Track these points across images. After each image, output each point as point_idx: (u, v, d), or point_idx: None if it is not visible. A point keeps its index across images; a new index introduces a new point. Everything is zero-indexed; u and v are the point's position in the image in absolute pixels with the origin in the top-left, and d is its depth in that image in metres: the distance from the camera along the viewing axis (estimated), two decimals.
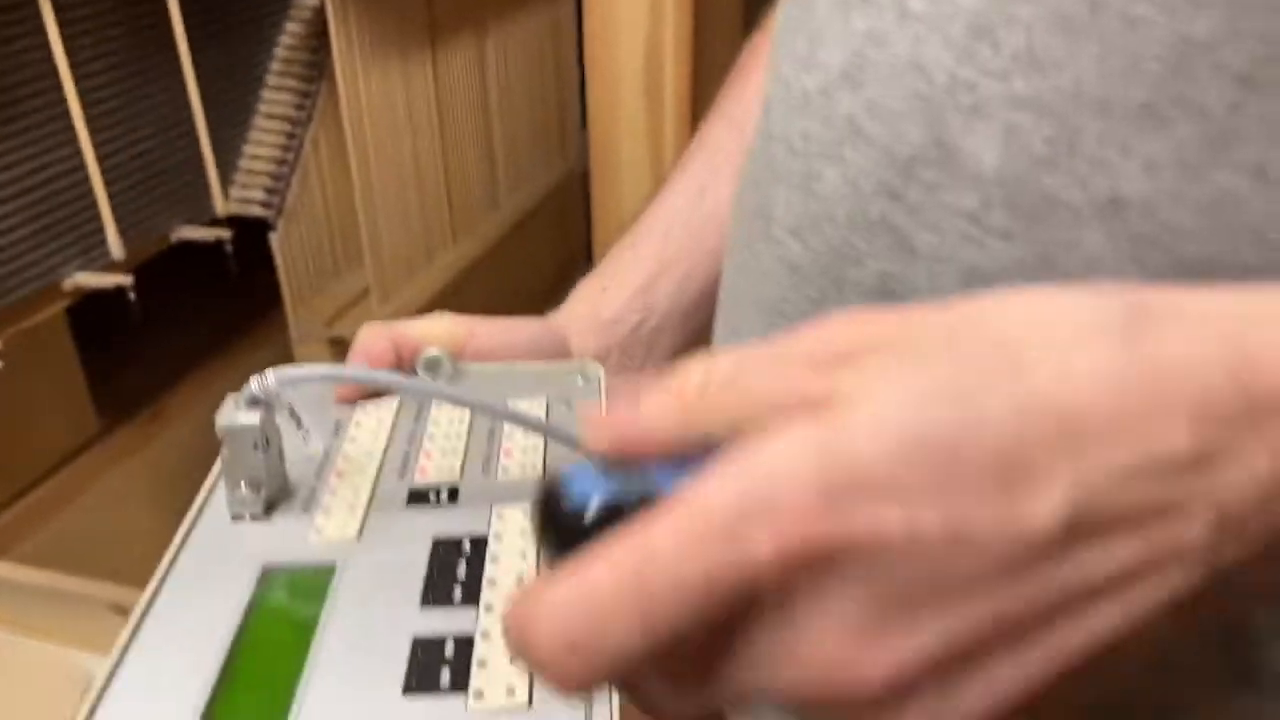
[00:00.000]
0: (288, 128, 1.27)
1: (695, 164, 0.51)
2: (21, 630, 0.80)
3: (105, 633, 0.80)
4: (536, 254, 1.59)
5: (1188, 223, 0.26)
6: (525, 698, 0.28)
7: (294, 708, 0.28)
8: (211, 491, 0.37)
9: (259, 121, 1.27)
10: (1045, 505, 0.20)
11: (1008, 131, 0.28)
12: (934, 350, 0.21)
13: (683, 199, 0.50)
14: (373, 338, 0.41)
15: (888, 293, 0.32)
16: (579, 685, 0.21)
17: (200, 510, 0.36)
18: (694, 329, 0.49)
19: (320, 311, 1.36)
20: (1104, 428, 0.20)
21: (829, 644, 0.20)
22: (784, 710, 0.22)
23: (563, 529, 0.23)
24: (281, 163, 1.26)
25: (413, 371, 0.42)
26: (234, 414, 0.34)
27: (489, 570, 0.33)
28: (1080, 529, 0.20)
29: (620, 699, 0.28)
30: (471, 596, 0.32)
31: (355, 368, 0.39)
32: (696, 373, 0.23)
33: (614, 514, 0.22)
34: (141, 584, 0.91)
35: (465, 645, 0.30)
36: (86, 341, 1.24)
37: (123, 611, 0.79)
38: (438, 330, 0.43)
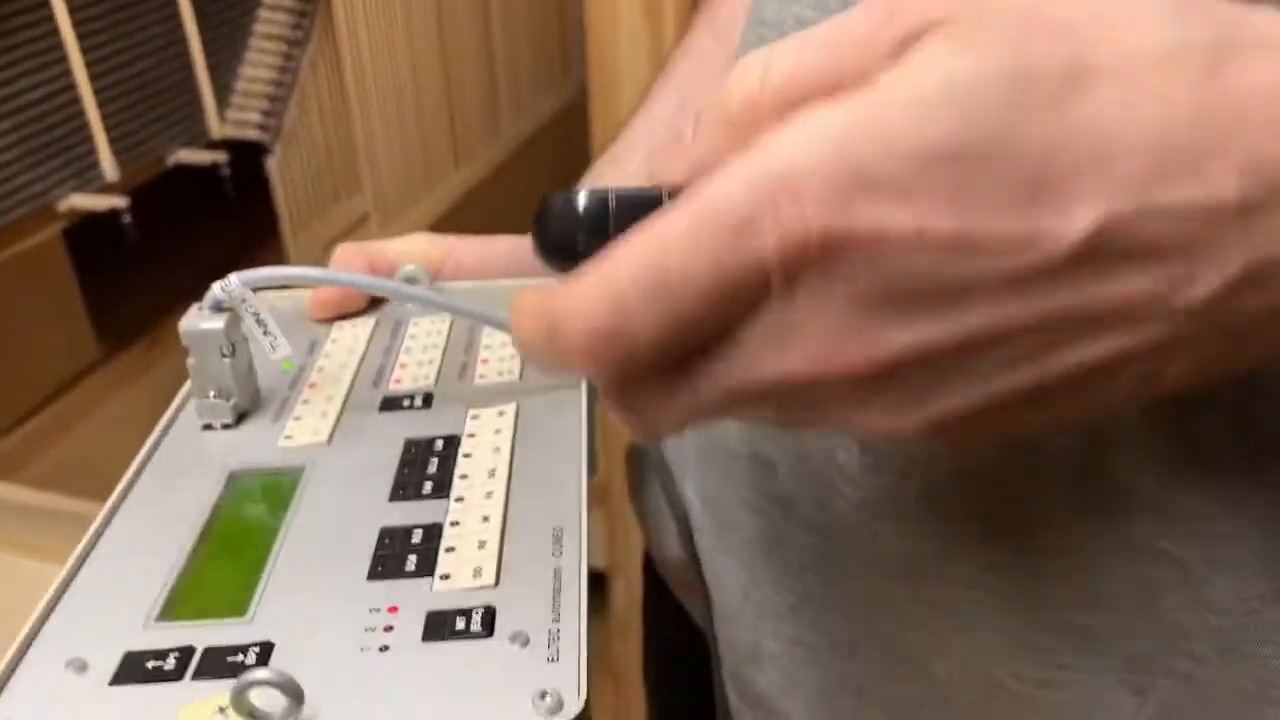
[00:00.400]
0: (284, 48, 1.25)
1: (678, 73, 0.50)
2: (22, 551, 0.80)
3: None
4: (538, 180, 1.57)
5: None
6: (492, 579, 0.28)
7: (256, 594, 0.28)
8: (184, 402, 0.37)
9: (255, 42, 1.25)
10: (1067, 225, 0.19)
11: None
12: (995, 46, 0.20)
13: (666, 110, 0.49)
14: (348, 256, 0.40)
15: None
16: (609, 377, 0.22)
17: (171, 420, 0.36)
18: None
19: (319, 237, 1.34)
20: (1152, 163, 0.19)
21: (821, 332, 0.20)
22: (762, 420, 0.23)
23: (583, 223, 0.25)
24: (278, 84, 1.24)
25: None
26: (197, 319, 0.34)
27: (461, 465, 0.32)
28: (1098, 253, 0.19)
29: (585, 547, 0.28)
30: (442, 490, 0.31)
31: (318, 270, 0.38)
32: (750, 79, 0.22)
33: (629, 211, 0.23)
34: None
35: (433, 533, 0.30)
36: (85, 267, 1.23)
37: None
38: (414, 249, 0.42)
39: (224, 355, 0.34)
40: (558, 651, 0.25)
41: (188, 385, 0.37)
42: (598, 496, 1.28)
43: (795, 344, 0.21)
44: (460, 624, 0.26)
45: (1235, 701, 0.30)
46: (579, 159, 0.52)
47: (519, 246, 0.46)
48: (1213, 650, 0.29)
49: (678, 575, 0.47)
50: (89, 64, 1.03)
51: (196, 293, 1.19)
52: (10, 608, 0.73)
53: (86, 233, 1.14)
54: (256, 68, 1.25)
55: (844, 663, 0.37)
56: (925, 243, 0.19)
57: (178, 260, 1.42)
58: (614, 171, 0.48)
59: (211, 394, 0.35)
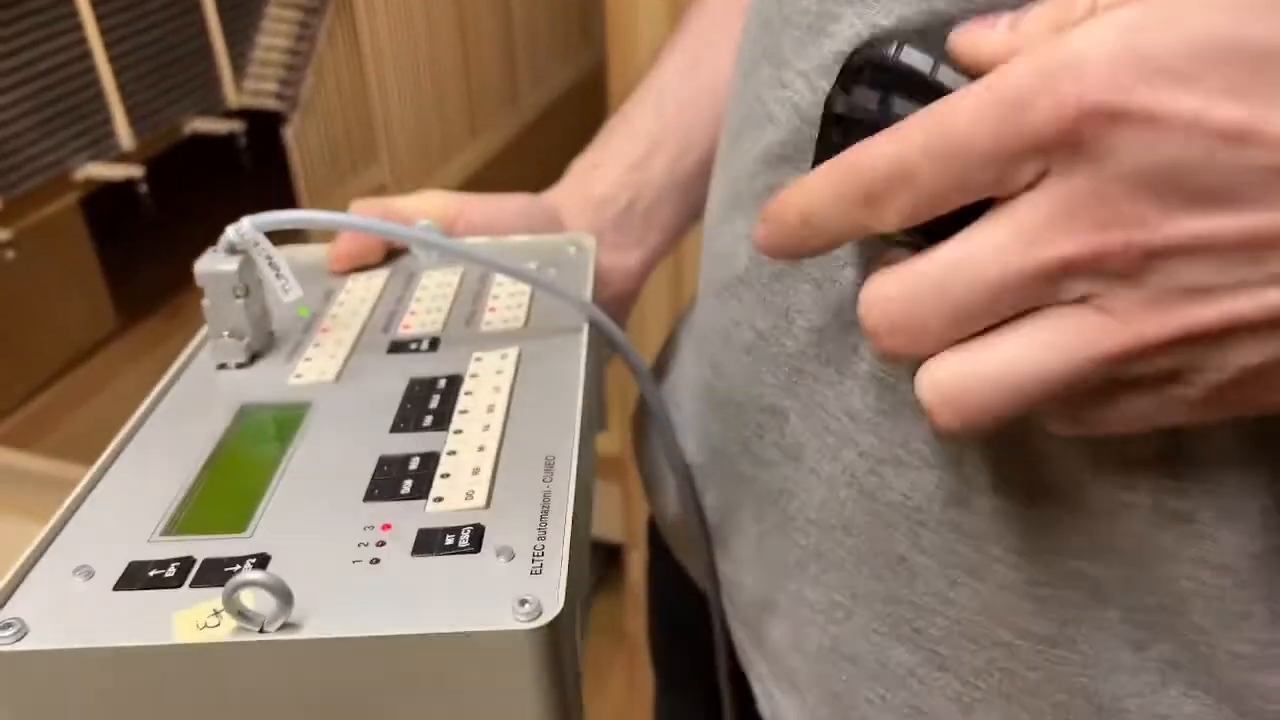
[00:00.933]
0: (301, 17, 1.24)
1: (688, 35, 0.50)
2: (42, 519, 0.81)
3: None
4: (556, 151, 1.56)
5: None
6: (484, 501, 0.29)
7: (257, 513, 0.29)
8: (201, 344, 0.37)
9: (271, 10, 1.24)
10: None
11: None
12: None
13: (676, 71, 0.49)
14: (365, 209, 0.41)
15: None
16: (887, 223, 0.23)
17: (188, 360, 0.37)
18: (692, 203, 0.48)
19: (336, 208, 1.34)
20: None
21: (1091, 212, 0.21)
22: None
23: (877, 81, 0.25)
24: (295, 54, 1.24)
25: (405, 250, 0.42)
26: (212, 261, 0.35)
27: (461, 402, 0.33)
28: None
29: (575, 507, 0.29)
30: (441, 423, 0.32)
31: (329, 214, 0.38)
32: None
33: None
34: None
35: (430, 461, 0.31)
36: (102, 237, 1.23)
37: None
38: (429, 205, 0.43)
39: (237, 296, 0.35)
40: (541, 566, 0.27)
41: (204, 329, 0.38)
42: (613, 470, 1.28)
43: (1065, 225, 0.21)
44: (449, 540, 0.28)
45: (1233, 662, 0.29)
46: (597, 129, 0.52)
47: (531, 206, 0.46)
48: (1213, 611, 0.29)
49: (677, 533, 0.47)
50: (104, 32, 1.03)
51: None
52: None
53: (103, 203, 1.14)
54: (273, 36, 1.24)
55: (839, 625, 0.36)
56: (1203, 128, 0.20)
57: (195, 231, 1.42)
58: (624, 131, 0.48)
59: (225, 334, 0.36)
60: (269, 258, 0.35)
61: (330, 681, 0.26)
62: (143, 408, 0.34)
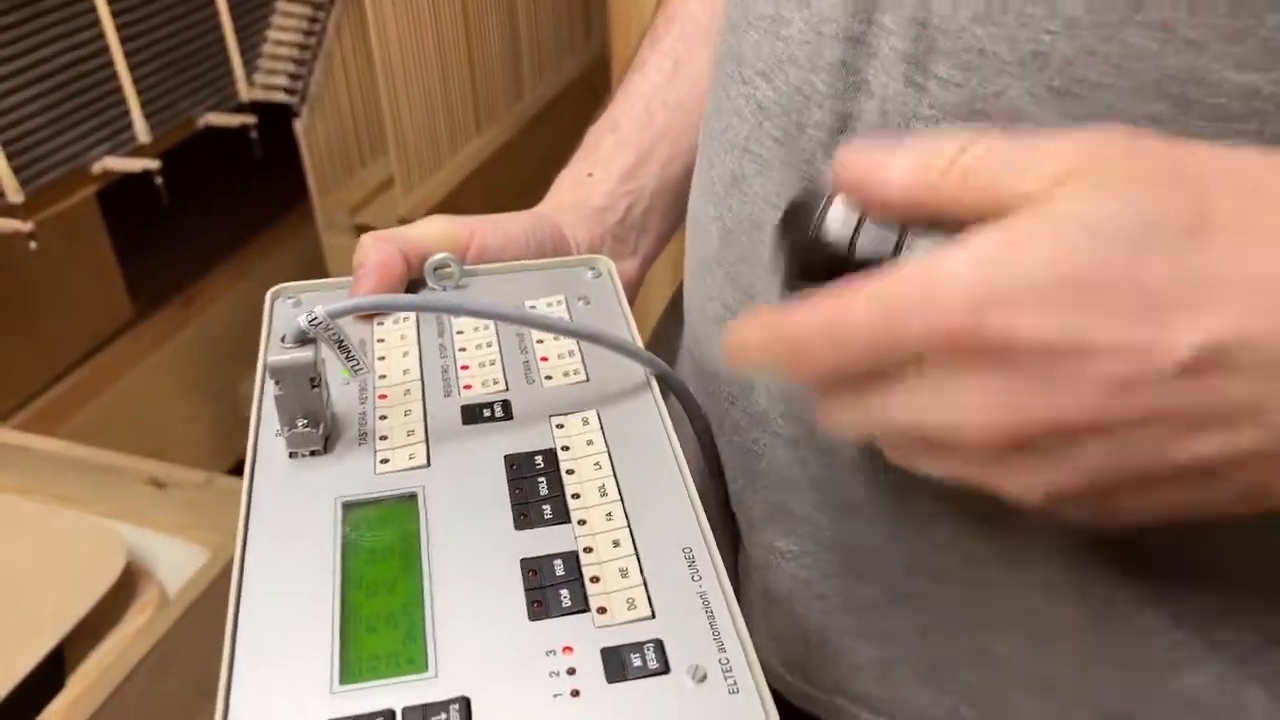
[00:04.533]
0: (310, 11, 1.26)
1: (668, 39, 0.51)
2: (64, 501, 0.83)
3: (142, 503, 0.83)
4: (560, 143, 1.58)
5: (1101, 77, 0.29)
6: (647, 610, 0.29)
7: (428, 645, 0.28)
8: (258, 431, 0.36)
9: (282, 5, 1.26)
10: (1177, 341, 0.23)
11: None
12: (1134, 196, 0.24)
13: (659, 75, 0.50)
14: (379, 248, 0.40)
15: (846, 130, 0.33)
16: (809, 379, 0.28)
17: (254, 457, 0.35)
18: (682, 207, 0.50)
19: (346, 200, 1.37)
20: (1258, 299, 0.23)
21: (954, 402, 0.25)
22: (895, 449, 0.28)
23: (805, 255, 0.29)
24: (304, 48, 1.26)
25: (420, 278, 0.41)
26: (285, 352, 0.33)
27: (569, 484, 0.33)
28: (1202, 368, 0.23)
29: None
30: (562, 514, 0.32)
31: (406, 297, 0.38)
32: (949, 150, 0.26)
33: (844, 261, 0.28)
34: (177, 461, 0.93)
35: (572, 562, 0.30)
36: (118, 230, 1.26)
37: (159, 484, 0.83)
38: (439, 233, 0.43)
39: (314, 386, 0.34)
40: (736, 684, 0.27)
41: (255, 414, 0.36)
42: None
43: (935, 405, 0.26)
44: (636, 661, 0.27)
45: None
46: None
47: (536, 224, 0.46)
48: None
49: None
50: (120, 28, 1.05)
51: (227, 256, 1.21)
52: (49, 557, 0.76)
53: (120, 196, 1.17)
54: (283, 31, 1.26)
55: (807, 570, 0.40)
56: (1047, 347, 0.24)
57: (208, 223, 1.45)
58: (612, 139, 0.49)
59: (301, 423, 0.34)
60: (340, 341, 0.33)
61: None
62: (241, 518, 0.33)
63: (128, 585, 0.76)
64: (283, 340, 0.33)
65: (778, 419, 0.38)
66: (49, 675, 0.70)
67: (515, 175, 1.50)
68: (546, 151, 1.57)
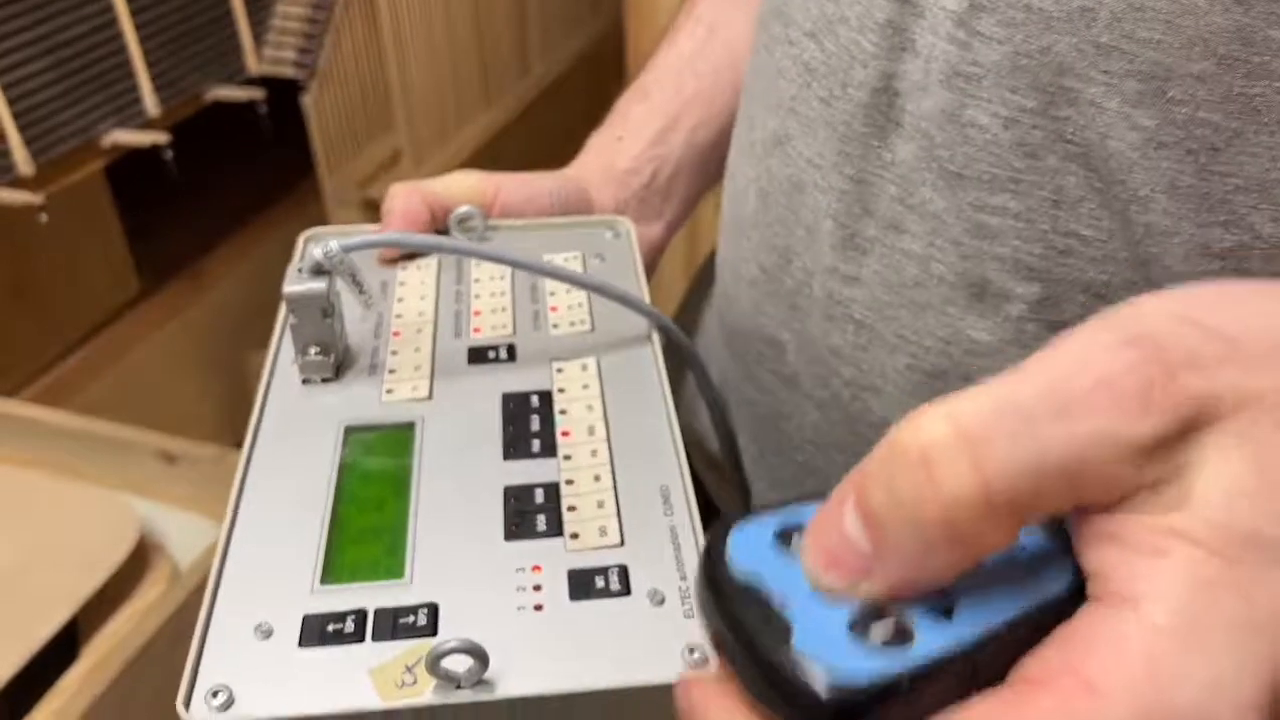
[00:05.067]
0: None
1: (703, 3, 0.51)
2: (74, 476, 0.83)
3: (153, 478, 0.83)
4: (569, 118, 1.58)
5: (1149, 33, 0.28)
6: (618, 538, 0.30)
7: (407, 556, 0.30)
8: (276, 358, 0.38)
9: None
10: None
11: None
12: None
13: (692, 42, 0.51)
14: (405, 197, 0.42)
15: (888, 91, 0.33)
16: None
17: (269, 380, 0.37)
18: (711, 174, 0.50)
19: (353, 175, 1.36)
20: None
21: None
22: None
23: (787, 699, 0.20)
24: (313, 22, 1.25)
25: (445, 229, 0.43)
26: (300, 282, 0.35)
27: (560, 423, 0.35)
28: None
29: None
30: (550, 449, 0.34)
31: (418, 235, 0.40)
32: (953, 468, 0.19)
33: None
34: (187, 435, 0.93)
35: (553, 492, 0.32)
36: (126, 205, 1.26)
37: (170, 458, 0.83)
38: (465, 187, 0.44)
39: (326, 316, 0.35)
40: (692, 608, 0.28)
41: (274, 342, 0.38)
42: None
43: None
44: (600, 582, 0.29)
45: None
46: (609, 97, 0.53)
47: (562, 184, 0.47)
48: None
49: (706, 455, 0.50)
50: (129, 0, 1.05)
51: (234, 232, 1.22)
52: (61, 531, 0.76)
53: (127, 171, 1.16)
54: (291, 5, 1.25)
55: None
56: None
57: (216, 198, 1.44)
58: (642, 107, 0.50)
59: (313, 351, 0.36)
60: (353, 275, 0.35)
61: None
62: (249, 434, 0.35)
63: (140, 559, 0.76)
64: (300, 271, 0.35)
65: (809, 381, 0.39)
66: (62, 648, 0.70)
67: (522, 150, 1.49)
68: (553, 127, 1.56)
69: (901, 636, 0.20)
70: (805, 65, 0.36)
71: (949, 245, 0.33)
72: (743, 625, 0.20)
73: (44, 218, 0.98)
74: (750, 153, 0.40)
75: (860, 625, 0.20)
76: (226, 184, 1.42)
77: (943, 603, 0.20)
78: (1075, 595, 0.20)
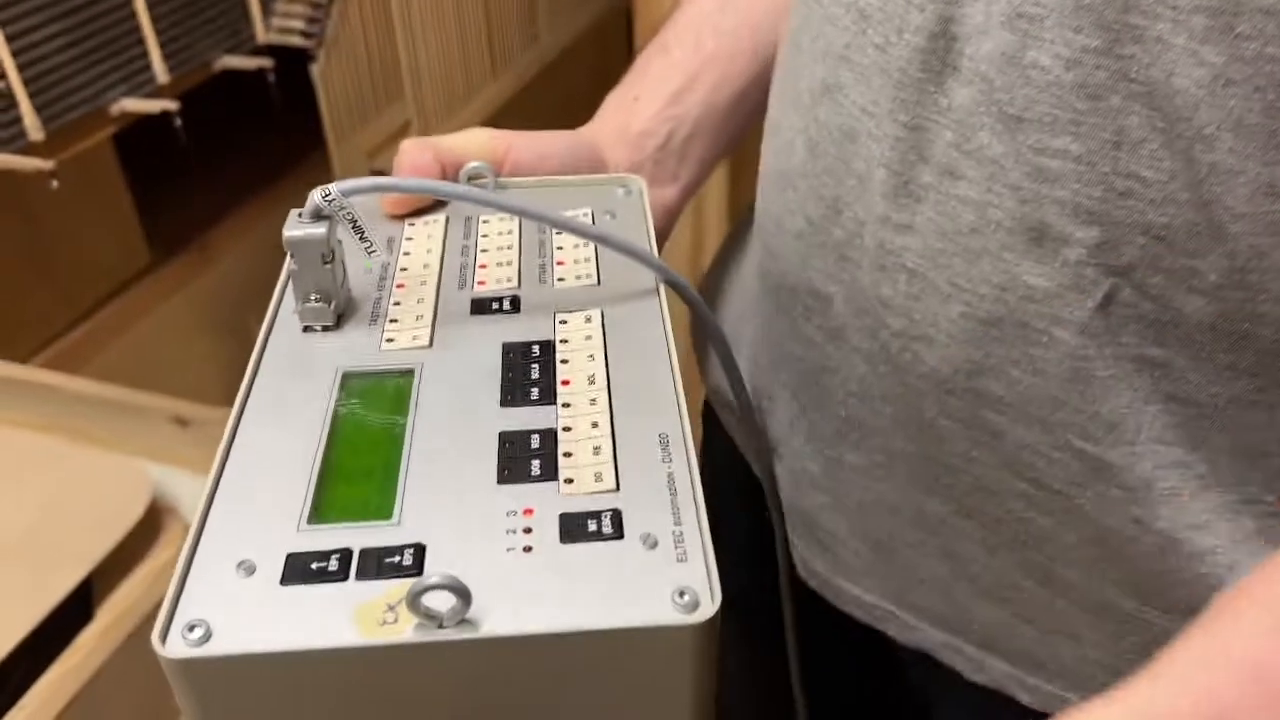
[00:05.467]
0: None
1: None
2: (88, 441, 0.84)
3: (167, 442, 0.84)
4: (576, 89, 1.57)
5: None
6: (613, 484, 0.30)
7: (397, 497, 0.30)
8: (279, 306, 0.38)
9: None
10: None
11: None
12: None
13: (713, 2, 0.50)
14: (416, 152, 0.42)
15: (945, 35, 0.33)
16: None
17: (270, 326, 0.37)
18: (729, 136, 0.50)
19: (362, 145, 1.36)
20: None
21: None
22: None
23: None
24: None
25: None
26: (300, 227, 0.35)
27: (560, 372, 0.34)
28: None
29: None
30: (548, 396, 0.33)
31: (415, 179, 0.40)
32: None
33: None
34: (199, 403, 0.93)
35: (549, 438, 0.31)
36: (135, 178, 1.26)
37: (182, 422, 0.83)
38: (477, 143, 0.44)
39: (326, 262, 0.35)
40: (685, 553, 0.28)
41: (278, 291, 0.38)
42: None
43: None
44: (592, 526, 0.28)
45: None
46: (616, 69, 0.53)
47: (574, 143, 0.47)
48: None
49: (728, 403, 0.50)
50: None
51: (243, 203, 1.22)
52: (74, 493, 0.77)
53: (136, 140, 1.16)
54: None
55: (881, 482, 0.40)
56: None
57: (225, 168, 1.44)
58: (661, 62, 0.49)
59: (314, 298, 0.36)
60: (354, 221, 0.35)
61: (497, 674, 0.26)
62: (246, 379, 0.34)
63: (153, 522, 0.77)
64: (299, 216, 0.35)
65: (856, 333, 0.39)
66: (77, 608, 0.71)
67: (530, 122, 1.49)
68: (560, 99, 1.56)
69: None
70: (860, 12, 0.36)
71: (1006, 190, 0.32)
72: None
73: (55, 184, 0.99)
74: (797, 103, 0.40)
75: None
76: (235, 156, 1.42)
77: None
78: None
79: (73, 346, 1.19)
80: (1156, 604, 0.35)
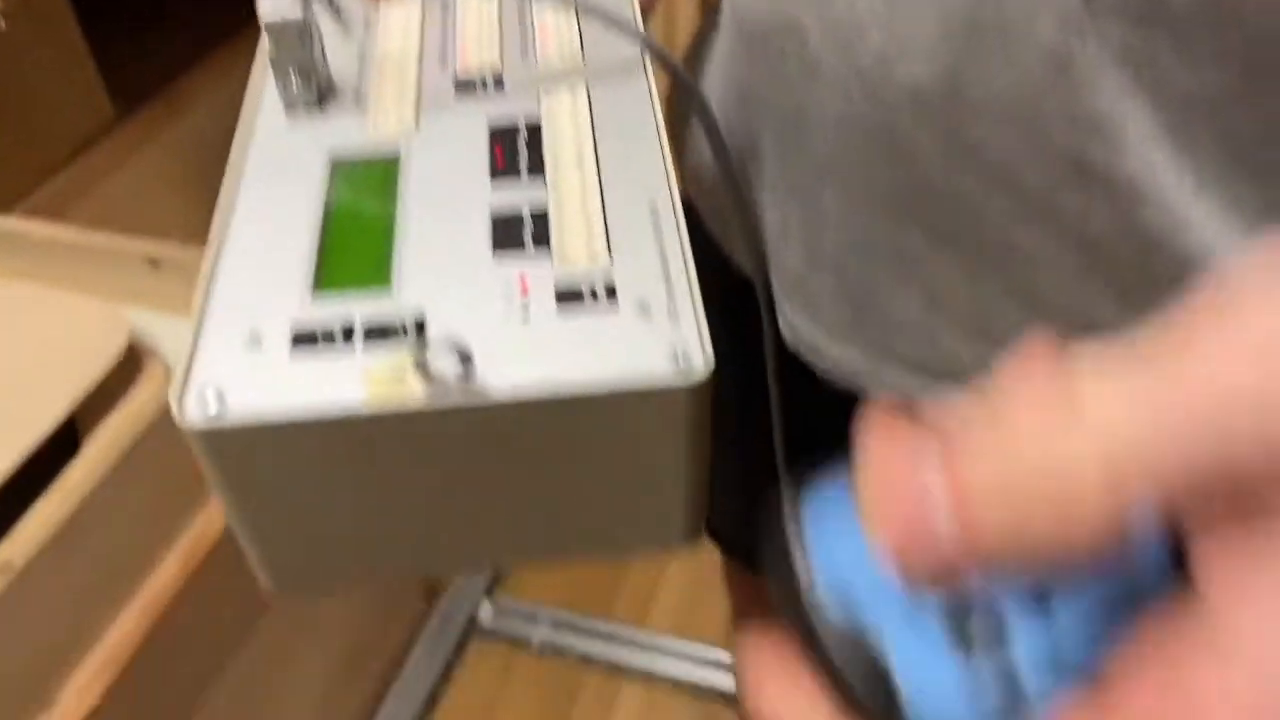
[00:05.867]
0: None
1: None
2: (64, 285, 0.84)
3: (143, 285, 0.84)
4: None
5: None
6: (605, 256, 0.31)
7: (393, 269, 0.30)
8: (261, 90, 0.38)
9: None
10: None
11: None
12: None
13: None
14: None
15: None
16: None
17: (254, 112, 0.37)
18: None
19: None
20: None
21: None
22: None
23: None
24: None
25: None
26: (277, 6, 0.35)
27: (548, 149, 0.34)
28: None
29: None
30: (537, 171, 0.34)
31: None
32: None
33: None
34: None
35: (539, 213, 0.32)
36: (91, 23, 1.22)
37: (155, 263, 0.83)
38: None
39: (303, 40, 0.35)
40: (678, 318, 0.28)
41: (255, 79, 0.38)
42: None
43: None
44: (586, 295, 0.29)
45: None
46: None
47: None
48: None
49: (708, 188, 0.50)
50: None
51: (209, 55, 1.18)
52: (52, 337, 0.77)
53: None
54: None
55: (858, 217, 0.41)
56: None
57: (186, 21, 1.40)
58: None
59: (295, 81, 0.36)
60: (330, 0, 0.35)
61: (500, 436, 0.27)
62: (234, 162, 0.35)
63: (133, 362, 0.77)
64: None
65: (832, 61, 0.38)
66: (62, 445, 0.72)
67: None
68: None
69: (998, 631, 0.19)
70: None
71: None
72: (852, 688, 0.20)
73: (1, 24, 0.96)
74: None
75: (957, 632, 0.20)
76: (197, 5, 1.38)
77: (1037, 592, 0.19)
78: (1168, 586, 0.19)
79: (42, 202, 1.18)
80: (1137, 309, 0.36)
